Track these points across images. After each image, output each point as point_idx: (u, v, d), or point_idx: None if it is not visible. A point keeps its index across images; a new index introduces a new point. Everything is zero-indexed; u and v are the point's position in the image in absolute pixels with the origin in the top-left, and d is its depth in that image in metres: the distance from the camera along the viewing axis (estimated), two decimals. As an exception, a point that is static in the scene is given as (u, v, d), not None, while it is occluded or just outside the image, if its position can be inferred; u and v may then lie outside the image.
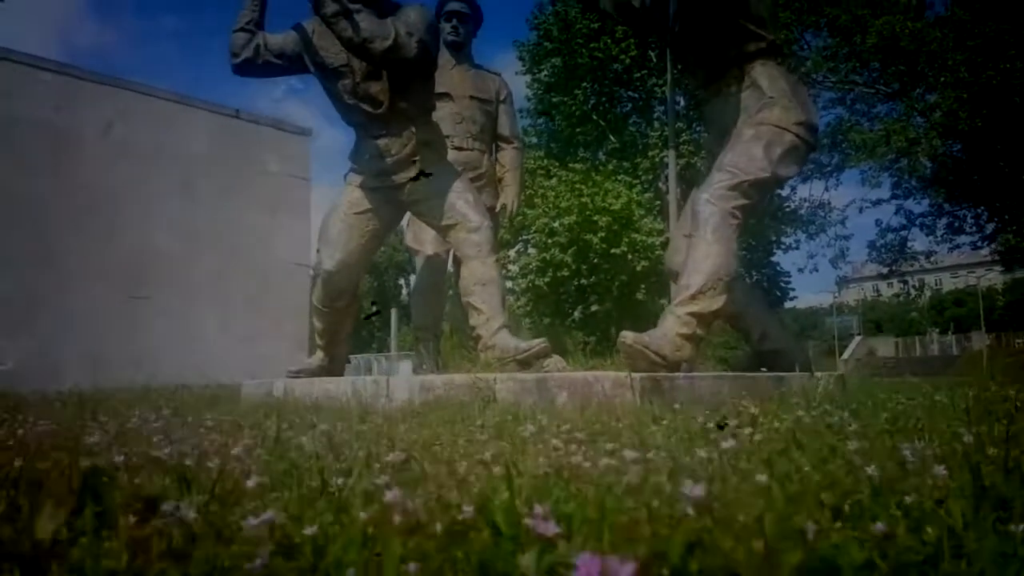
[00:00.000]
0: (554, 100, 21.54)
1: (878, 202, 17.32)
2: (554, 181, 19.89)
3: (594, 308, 18.38)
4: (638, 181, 20.10)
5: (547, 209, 18.67)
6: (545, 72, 21.65)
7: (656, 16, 3.84)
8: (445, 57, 5.09)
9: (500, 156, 5.42)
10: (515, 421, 1.52)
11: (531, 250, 19.98)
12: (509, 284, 21.36)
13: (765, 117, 3.45)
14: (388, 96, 4.14)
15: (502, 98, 5.44)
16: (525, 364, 3.77)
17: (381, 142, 4.23)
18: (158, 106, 11.30)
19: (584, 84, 20.71)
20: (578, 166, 19.48)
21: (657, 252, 18.03)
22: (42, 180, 9.81)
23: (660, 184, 20.26)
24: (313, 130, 13.71)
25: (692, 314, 3.12)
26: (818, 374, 3.72)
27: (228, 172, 11.86)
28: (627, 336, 3.03)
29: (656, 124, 20.74)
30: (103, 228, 10.27)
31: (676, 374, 2.89)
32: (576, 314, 19.27)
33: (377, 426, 1.58)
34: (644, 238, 17.95)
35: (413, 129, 4.24)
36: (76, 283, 9.93)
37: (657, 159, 20.14)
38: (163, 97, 11.54)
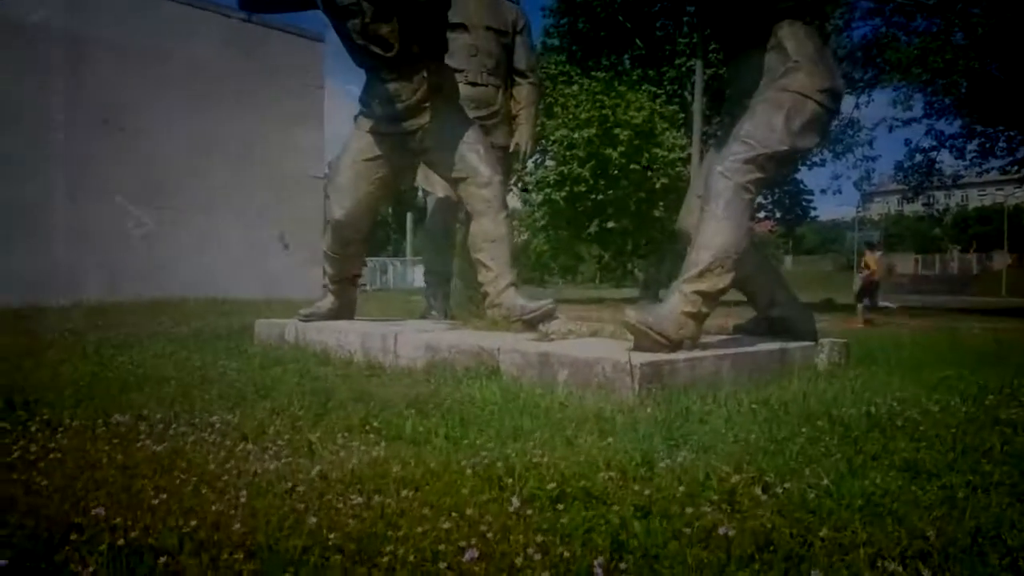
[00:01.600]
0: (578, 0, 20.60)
1: (909, 122, 16.69)
2: (575, 88, 19.28)
3: (611, 225, 18.22)
4: (662, 91, 19.44)
5: (567, 120, 18.22)
6: (571, -31, 20.59)
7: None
8: (461, -19, 4.85)
9: (515, 92, 5.24)
10: (506, 467, 1.57)
11: (549, 162, 19.64)
12: (526, 195, 21.14)
13: (788, 83, 3.31)
14: (398, 38, 4.00)
15: (519, 29, 5.22)
16: (531, 324, 3.82)
17: (391, 86, 4.12)
18: (169, 9, 10.97)
19: (611, -18, 19.70)
20: (600, 74, 18.82)
21: (678, 168, 17.67)
22: (54, 86, 9.70)
23: (686, 94, 19.58)
24: (327, 36, 13.28)
25: (698, 292, 3.11)
26: (823, 342, 3.74)
27: (240, 79, 11.62)
28: (630, 315, 3.04)
29: (685, 29, 19.82)
30: (115, 137, 10.21)
31: (677, 357, 2.91)
32: (592, 228, 19.14)
33: (371, 459, 1.64)
34: (665, 153, 17.56)
35: (424, 74, 4.11)
36: (94, 194, 9.99)
37: (684, 68, 19.39)
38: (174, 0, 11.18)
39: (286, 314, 5.23)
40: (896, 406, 2.31)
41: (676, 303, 3.11)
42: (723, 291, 3.20)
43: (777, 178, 3.53)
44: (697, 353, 3.04)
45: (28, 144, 9.42)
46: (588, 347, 3.18)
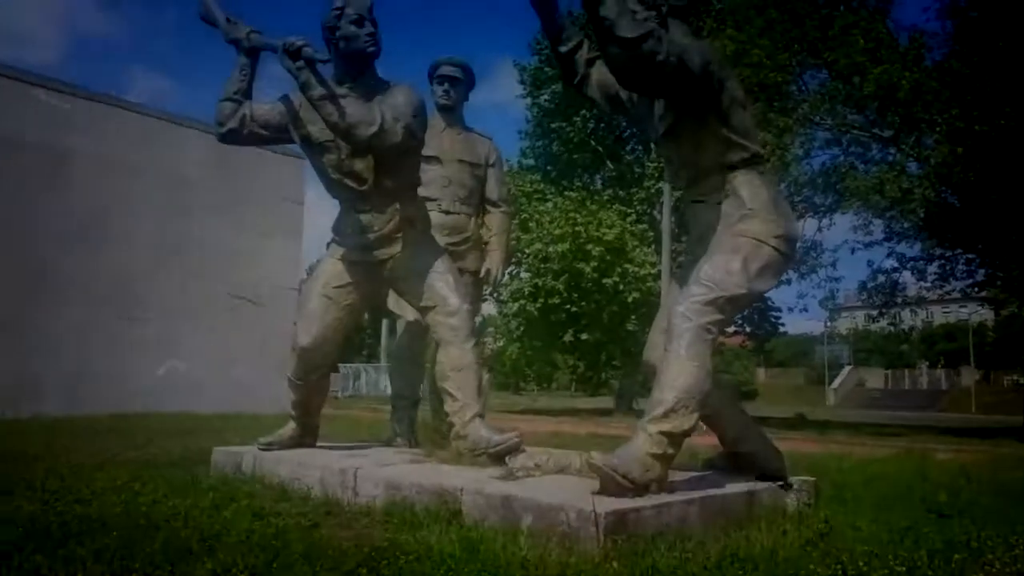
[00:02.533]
0: (552, 126, 21.61)
1: (870, 244, 17.33)
2: (549, 206, 19.93)
3: (584, 336, 18.38)
4: (632, 211, 20.14)
5: (541, 235, 18.72)
6: (545, 97, 21.72)
7: (643, 113, 3.83)
8: (435, 119, 5.07)
9: (487, 219, 5.39)
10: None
11: (524, 274, 19.98)
12: (502, 305, 21.32)
13: (745, 229, 3.43)
14: (373, 174, 4.13)
15: (491, 162, 5.42)
16: (497, 458, 3.75)
17: (364, 217, 4.21)
18: (151, 125, 11.28)
19: (583, 111, 20.76)
20: (573, 194, 19.53)
21: (648, 284, 18.06)
22: (34, 200, 9.77)
23: (655, 213, 20.29)
24: (308, 153, 13.68)
25: (664, 433, 3.09)
26: (792, 481, 3.71)
27: (221, 194, 11.83)
28: (596, 458, 3.00)
29: (653, 155, 20.79)
30: (93, 249, 10.22)
31: (644, 503, 2.85)
32: (567, 338, 19.29)
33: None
34: (636, 269, 18.00)
35: (397, 206, 4.22)
36: (64, 304, 9.88)
37: (652, 189, 20.18)
38: (156, 116, 11.53)
39: (251, 431, 5.08)
40: (862, 565, 2.27)
41: (641, 444, 3.08)
42: (689, 432, 3.18)
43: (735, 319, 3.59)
44: (664, 498, 2.98)
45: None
46: (553, 490, 3.10)
